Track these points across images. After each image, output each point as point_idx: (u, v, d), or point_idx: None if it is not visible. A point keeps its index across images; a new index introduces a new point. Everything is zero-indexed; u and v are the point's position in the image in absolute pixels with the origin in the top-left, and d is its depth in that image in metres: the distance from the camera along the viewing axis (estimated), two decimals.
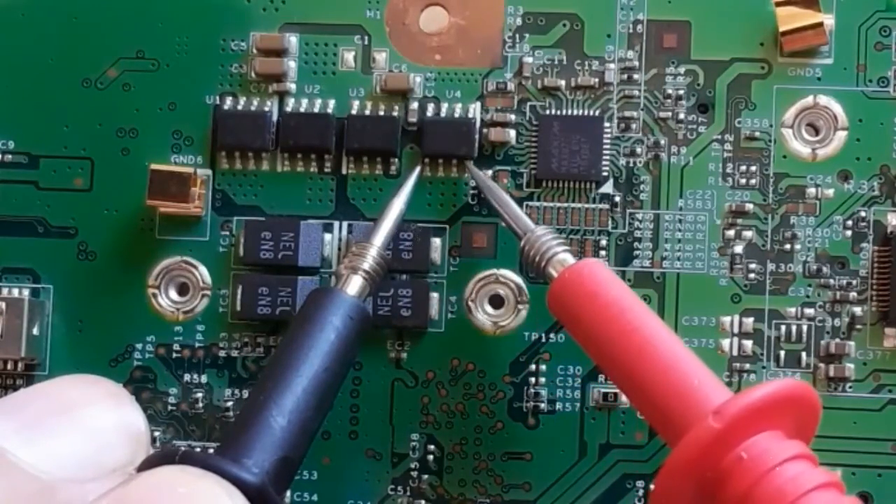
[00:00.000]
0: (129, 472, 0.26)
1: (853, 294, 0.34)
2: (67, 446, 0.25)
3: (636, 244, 0.34)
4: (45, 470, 0.24)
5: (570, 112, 0.34)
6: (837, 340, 0.34)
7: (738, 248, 0.34)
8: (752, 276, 0.34)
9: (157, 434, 0.34)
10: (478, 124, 0.34)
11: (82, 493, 0.24)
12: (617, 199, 0.34)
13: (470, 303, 0.34)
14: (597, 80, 0.34)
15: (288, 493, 0.34)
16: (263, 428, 0.28)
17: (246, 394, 0.34)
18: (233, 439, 0.28)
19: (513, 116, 0.34)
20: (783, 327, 0.34)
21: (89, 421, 0.25)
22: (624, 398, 0.34)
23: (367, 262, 0.31)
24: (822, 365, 0.34)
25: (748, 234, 0.34)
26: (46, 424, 0.25)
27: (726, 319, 0.34)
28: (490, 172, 0.34)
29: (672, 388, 0.28)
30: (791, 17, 0.34)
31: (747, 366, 0.34)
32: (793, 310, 0.34)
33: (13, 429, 0.24)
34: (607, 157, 0.34)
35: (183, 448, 0.29)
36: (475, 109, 0.34)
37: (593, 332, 0.30)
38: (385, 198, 0.34)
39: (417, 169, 0.34)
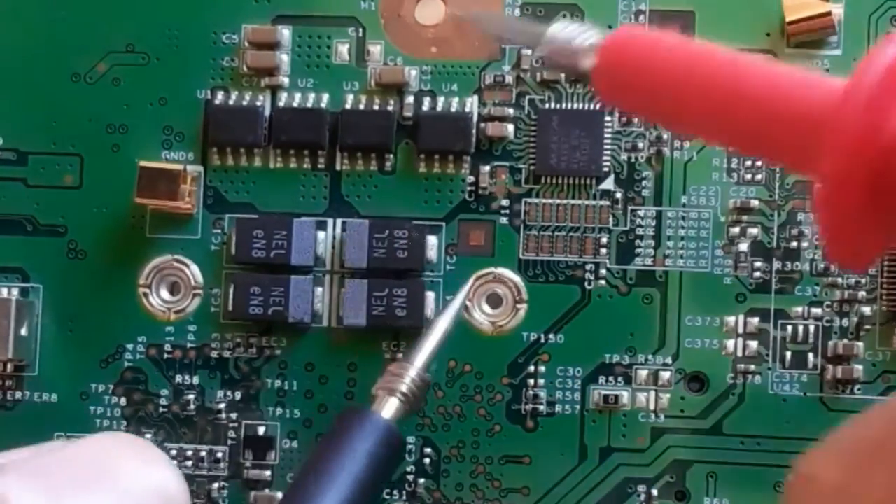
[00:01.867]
0: None
1: (862, 293, 0.33)
2: None
3: (638, 242, 0.33)
4: None
5: (569, 106, 0.34)
6: (845, 341, 0.33)
7: (743, 246, 0.33)
8: (757, 274, 0.33)
9: (147, 436, 0.33)
10: (475, 119, 0.34)
11: None
12: (618, 195, 0.33)
13: (467, 302, 0.33)
14: None
15: (281, 496, 0.33)
16: None
17: (238, 395, 0.34)
18: None
19: (511, 110, 0.34)
20: (790, 327, 0.33)
21: (122, 484, 0.25)
22: (625, 399, 0.33)
23: (405, 383, 0.31)
24: (829, 366, 0.33)
25: (753, 231, 0.33)
26: (78, 488, 0.24)
27: (731, 319, 0.33)
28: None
29: (791, 82, 0.22)
30: (798, 7, 0.33)
31: (752, 367, 0.33)
32: (799, 309, 0.33)
33: (44, 492, 0.24)
34: (608, 153, 0.33)
35: None
36: (472, 103, 0.34)
37: (669, 84, 0.24)
38: (380, 195, 0.34)
39: (468, 285, 0.33)
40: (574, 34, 0.27)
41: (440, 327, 0.32)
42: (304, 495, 0.29)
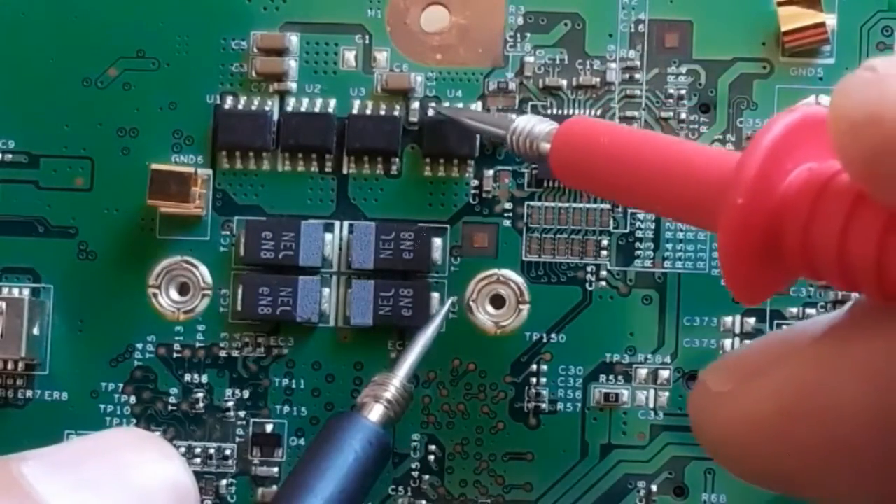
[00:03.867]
0: None
1: (855, 295, 0.33)
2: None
3: (637, 244, 0.34)
4: None
5: (571, 112, 0.34)
6: None
7: None
8: None
9: (157, 434, 0.34)
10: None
11: None
12: None
13: (471, 303, 0.34)
14: (598, 79, 0.34)
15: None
16: None
17: (247, 394, 0.34)
18: None
19: (514, 116, 0.34)
20: (785, 327, 0.34)
21: (138, 480, 0.26)
22: (625, 397, 0.34)
23: (390, 391, 0.32)
24: None
25: None
26: (98, 484, 0.25)
27: (728, 320, 0.34)
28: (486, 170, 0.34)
29: (697, 157, 0.27)
30: (793, 17, 0.34)
31: None
32: (795, 310, 0.34)
33: (68, 488, 0.24)
34: None
35: None
36: (477, 109, 0.34)
37: (605, 166, 0.29)
38: (386, 198, 0.34)
39: (448, 303, 0.34)
40: (535, 123, 0.32)
41: (421, 342, 0.33)
42: (295, 486, 0.29)
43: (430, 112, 0.34)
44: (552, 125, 0.31)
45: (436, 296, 0.34)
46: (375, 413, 0.31)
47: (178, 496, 0.26)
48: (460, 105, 0.34)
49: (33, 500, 0.23)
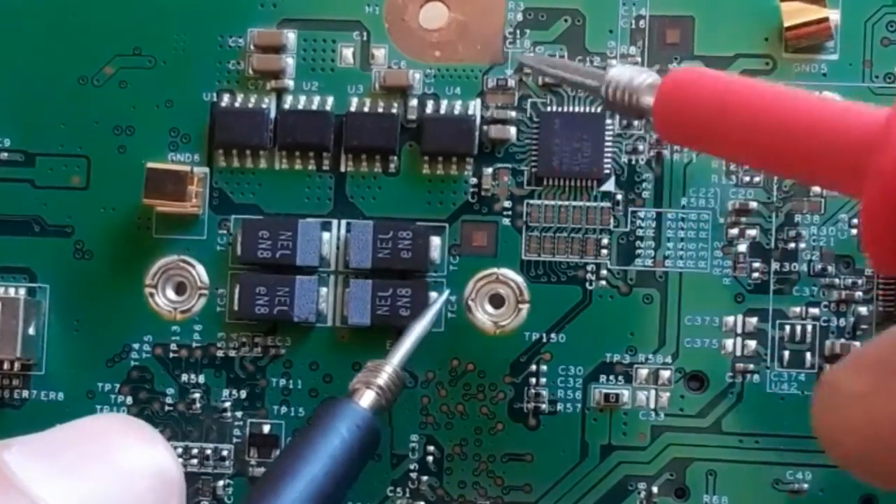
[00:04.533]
0: None
1: (858, 294, 0.33)
2: (98, 491, 0.24)
3: (638, 243, 0.34)
4: None
5: (571, 109, 0.34)
6: (843, 341, 0.33)
7: (742, 247, 0.33)
8: (755, 275, 0.33)
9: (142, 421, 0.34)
10: (478, 121, 0.34)
11: None
12: (619, 197, 0.34)
13: (470, 302, 0.34)
14: None
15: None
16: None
17: (244, 394, 0.34)
18: None
19: (513, 113, 0.34)
20: (787, 327, 0.33)
21: (123, 464, 0.25)
22: (626, 398, 0.33)
23: (382, 378, 0.32)
24: (827, 365, 0.33)
25: (752, 232, 0.33)
26: (79, 468, 0.25)
27: (729, 319, 0.33)
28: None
29: (834, 111, 0.25)
30: (796, 12, 0.33)
31: (751, 366, 0.33)
32: (797, 309, 0.33)
33: (49, 474, 0.24)
34: (609, 155, 0.34)
35: None
36: (475, 106, 0.34)
37: (721, 122, 0.26)
38: (384, 196, 0.34)
39: (445, 294, 0.34)
40: (634, 74, 0.29)
41: (416, 331, 0.33)
42: (280, 467, 0.29)
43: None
44: (654, 76, 0.29)
45: (434, 295, 0.34)
46: (366, 399, 0.31)
47: (162, 481, 0.26)
48: (546, 61, 0.33)
49: (14, 487, 0.23)
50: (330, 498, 0.30)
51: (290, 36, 0.35)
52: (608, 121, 0.34)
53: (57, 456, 0.25)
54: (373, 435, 0.31)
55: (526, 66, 0.33)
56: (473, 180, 0.34)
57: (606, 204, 0.34)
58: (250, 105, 0.34)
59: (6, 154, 0.35)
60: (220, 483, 0.34)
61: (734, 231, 0.33)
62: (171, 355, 0.34)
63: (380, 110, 0.34)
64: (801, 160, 0.25)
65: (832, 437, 0.25)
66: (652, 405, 0.33)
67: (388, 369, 0.32)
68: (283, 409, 0.34)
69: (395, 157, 0.34)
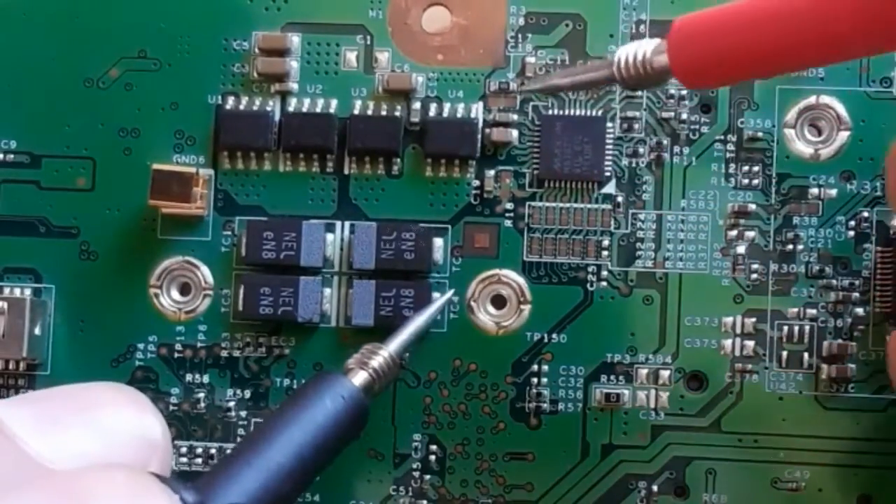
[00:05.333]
0: None
1: (856, 295, 0.34)
2: (78, 442, 0.25)
3: (639, 244, 0.34)
4: (51, 459, 0.24)
5: (572, 112, 0.34)
6: (840, 341, 0.34)
7: (741, 249, 0.34)
8: (754, 276, 0.34)
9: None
10: (480, 124, 0.34)
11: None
12: (619, 199, 0.34)
13: (472, 303, 0.34)
14: None
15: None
16: (226, 476, 0.28)
17: (248, 394, 0.34)
18: (199, 480, 0.28)
19: (515, 116, 0.34)
20: (785, 328, 0.34)
21: (105, 421, 0.25)
22: (626, 398, 0.34)
23: (377, 361, 0.32)
24: (824, 365, 0.34)
25: (751, 234, 0.34)
26: (62, 419, 0.25)
27: (728, 320, 0.34)
28: (493, 173, 0.34)
29: None
30: None
31: (749, 366, 0.34)
32: (795, 310, 0.34)
33: (30, 418, 0.24)
34: (610, 158, 0.34)
35: None
36: (478, 109, 0.34)
37: (737, 44, 0.27)
38: (387, 198, 0.34)
39: (450, 293, 0.34)
40: (637, 46, 0.29)
41: (417, 321, 0.33)
42: (260, 432, 0.29)
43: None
44: (655, 40, 0.29)
45: (437, 296, 0.34)
46: (358, 378, 0.31)
47: (147, 444, 0.26)
48: (548, 81, 0.32)
49: (1, 433, 0.24)
50: (307, 465, 0.29)
51: (295, 39, 0.35)
52: (609, 124, 0.34)
53: (45, 410, 0.25)
54: (359, 410, 0.31)
55: (531, 93, 0.34)
56: (476, 182, 0.34)
57: (607, 206, 0.34)
58: (255, 107, 0.35)
59: (12, 156, 0.35)
60: None
61: (733, 233, 0.34)
62: (176, 355, 0.35)
63: (383, 113, 0.34)
64: (823, 40, 0.25)
65: None
66: (652, 405, 0.34)
67: (383, 353, 0.32)
68: None
69: (399, 160, 0.35)
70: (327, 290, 0.34)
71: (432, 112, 0.34)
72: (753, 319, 0.34)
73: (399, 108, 0.35)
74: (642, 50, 0.29)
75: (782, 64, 0.28)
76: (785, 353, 0.34)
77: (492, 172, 0.34)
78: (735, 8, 0.27)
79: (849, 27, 0.25)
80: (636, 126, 0.34)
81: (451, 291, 0.34)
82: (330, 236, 0.34)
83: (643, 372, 0.34)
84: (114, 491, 0.23)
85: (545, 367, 0.34)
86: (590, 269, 0.34)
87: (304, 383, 0.31)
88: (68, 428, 0.25)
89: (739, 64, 0.27)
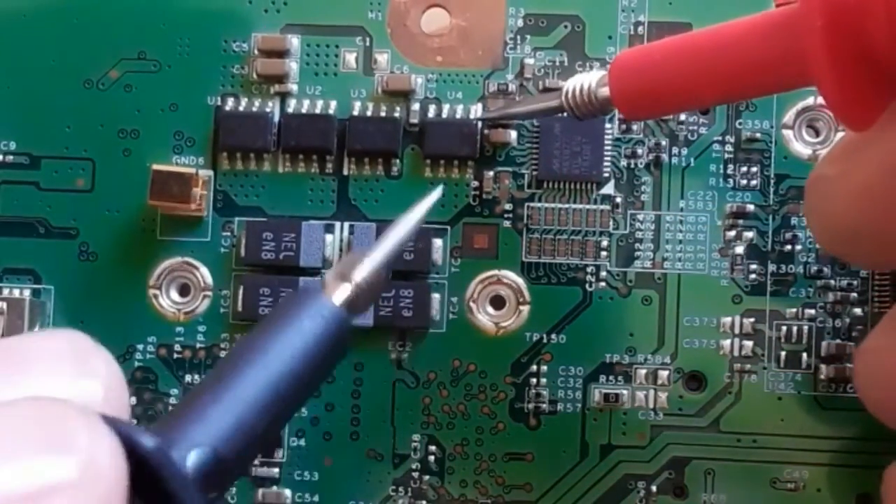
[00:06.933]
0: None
1: (854, 295, 0.34)
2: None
3: (637, 245, 0.34)
4: None
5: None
6: (838, 341, 0.34)
7: (739, 249, 0.34)
8: (752, 276, 0.34)
9: None
10: (479, 125, 0.34)
11: None
12: (618, 199, 0.34)
13: (471, 303, 0.34)
14: None
15: (289, 493, 0.34)
16: (190, 416, 0.23)
17: None
18: (159, 421, 0.25)
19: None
20: (784, 328, 0.34)
21: (38, 382, 0.22)
22: (625, 398, 0.34)
23: (360, 272, 0.27)
24: (822, 365, 0.34)
25: (749, 234, 0.34)
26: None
27: (727, 320, 0.34)
28: (491, 174, 0.34)
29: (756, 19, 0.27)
30: None
31: (748, 366, 0.34)
32: (794, 310, 0.34)
33: None
34: (608, 158, 0.34)
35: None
36: (477, 110, 0.35)
37: (671, 79, 0.29)
38: (386, 199, 0.34)
39: (438, 190, 0.33)
40: (584, 77, 0.31)
41: (405, 224, 0.29)
42: (230, 371, 0.25)
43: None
44: (601, 72, 0.31)
45: (436, 296, 0.34)
46: (340, 293, 0.27)
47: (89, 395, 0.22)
48: (505, 111, 0.34)
49: None
50: (285, 398, 0.25)
51: (294, 41, 0.35)
52: (607, 125, 0.34)
53: None
54: (341, 330, 0.26)
55: (490, 121, 0.34)
56: (475, 183, 0.35)
57: (606, 207, 0.34)
58: (254, 109, 0.35)
59: (12, 157, 0.35)
60: None
61: (731, 233, 0.34)
62: (175, 356, 0.35)
63: (382, 114, 0.35)
64: (750, 74, 0.27)
65: (821, 221, 0.29)
66: (651, 405, 0.34)
67: (367, 264, 0.27)
68: None
69: (398, 161, 0.35)
70: None
71: (431, 113, 0.35)
72: (752, 320, 0.34)
73: (398, 109, 0.35)
74: (588, 82, 0.31)
75: (713, 97, 0.30)
76: (783, 354, 0.34)
77: (491, 173, 0.35)
78: (668, 44, 0.29)
79: (772, 61, 0.26)
80: (635, 127, 0.34)
81: (440, 188, 0.32)
82: (329, 237, 0.34)
83: (642, 372, 0.34)
84: (23, 412, 0.20)
85: (544, 368, 0.34)
86: (589, 269, 0.34)
87: (285, 304, 0.26)
88: None
89: (674, 97, 0.29)
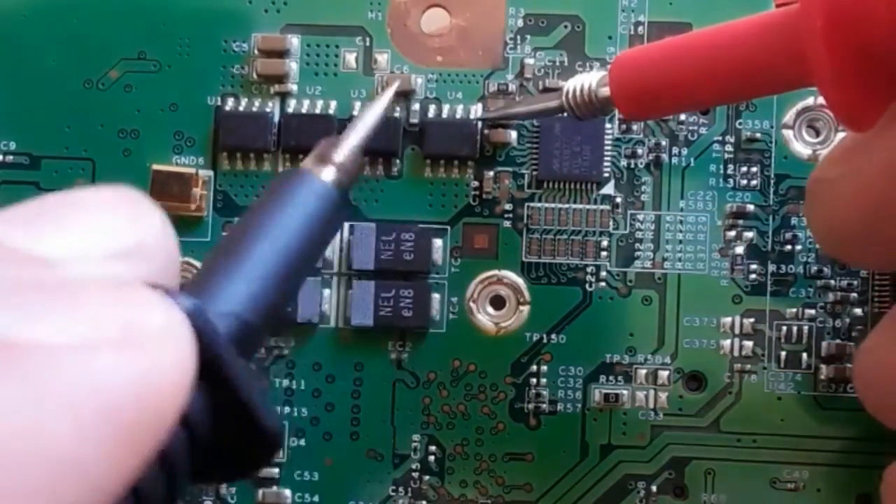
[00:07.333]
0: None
1: (854, 295, 0.34)
2: (72, 238, 0.21)
3: (637, 245, 0.34)
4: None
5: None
6: (838, 341, 0.34)
7: (739, 249, 0.34)
8: (752, 276, 0.34)
9: None
10: (479, 125, 0.34)
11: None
12: (618, 199, 0.34)
13: (471, 303, 0.34)
14: None
15: (289, 493, 0.34)
16: (217, 283, 0.23)
17: None
18: (186, 286, 0.24)
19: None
20: (784, 328, 0.34)
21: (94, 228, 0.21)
22: (625, 398, 0.34)
23: (339, 154, 0.28)
24: (822, 366, 0.34)
25: (749, 235, 0.34)
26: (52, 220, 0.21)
27: (727, 320, 0.34)
28: (490, 176, 0.34)
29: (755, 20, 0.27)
30: None
31: (748, 366, 0.34)
32: (794, 311, 0.34)
33: (16, 225, 0.20)
34: (608, 159, 0.34)
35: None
36: (477, 110, 0.35)
37: (671, 80, 0.29)
38: (386, 199, 0.35)
39: (397, 83, 0.33)
40: (585, 77, 0.31)
41: (372, 112, 0.30)
42: (243, 244, 0.25)
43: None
44: (601, 73, 0.31)
45: (436, 297, 0.34)
46: (326, 174, 0.27)
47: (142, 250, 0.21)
48: (505, 111, 0.34)
49: None
50: (294, 271, 0.25)
51: (294, 41, 0.35)
52: (608, 125, 0.34)
53: (26, 212, 0.20)
54: (334, 206, 0.27)
55: (490, 121, 0.34)
56: (475, 183, 0.35)
57: (606, 207, 0.34)
58: (254, 109, 0.35)
59: (11, 157, 0.35)
60: (224, 483, 0.34)
61: (731, 233, 0.34)
62: None
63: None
64: (749, 75, 0.27)
65: (822, 225, 0.29)
66: (651, 405, 0.34)
67: (343, 147, 0.28)
68: (286, 410, 0.34)
69: (398, 161, 0.35)
70: (326, 291, 0.34)
71: (431, 113, 0.35)
72: (752, 320, 0.34)
73: (398, 109, 0.35)
74: (588, 82, 0.31)
75: (713, 97, 0.30)
76: (784, 354, 0.34)
77: (491, 173, 0.35)
78: (669, 44, 0.29)
79: (772, 62, 0.26)
80: (635, 127, 0.34)
81: (398, 83, 0.33)
82: None
83: (642, 372, 0.34)
84: (105, 294, 0.19)
85: (544, 368, 0.34)
86: (589, 269, 0.34)
87: (275, 184, 0.27)
88: (60, 228, 0.20)
89: (675, 97, 0.29)
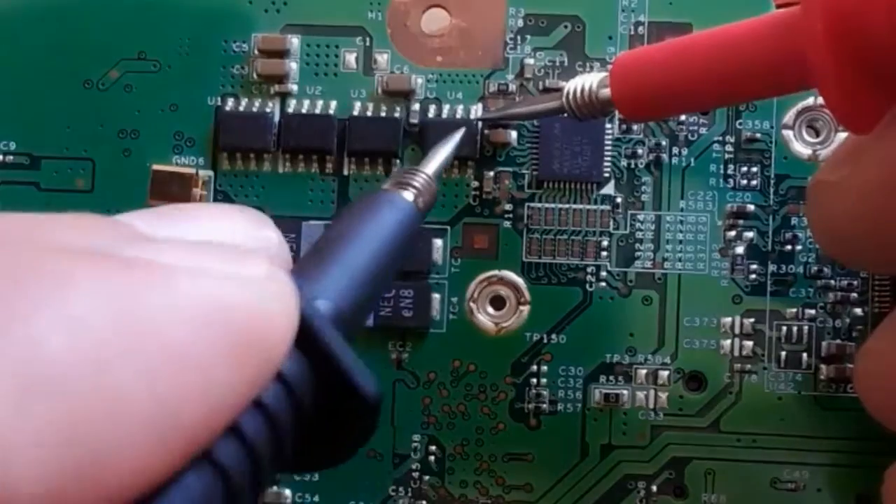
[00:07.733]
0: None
1: (854, 295, 0.34)
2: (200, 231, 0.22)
3: (637, 245, 0.34)
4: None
5: None
6: (838, 341, 0.34)
7: (740, 249, 0.34)
8: (753, 277, 0.34)
9: None
10: (479, 125, 0.34)
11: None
12: (618, 200, 0.34)
13: (471, 304, 0.34)
14: None
15: (289, 493, 0.34)
16: (308, 272, 0.24)
17: None
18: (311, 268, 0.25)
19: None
20: (784, 328, 0.34)
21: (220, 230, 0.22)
22: (626, 398, 0.34)
23: (418, 181, 0.29)
24: (823, 366, 0.34)
25: (749, 235, 0.34)
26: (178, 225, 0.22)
27: (727, 320, 0.34)
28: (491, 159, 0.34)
29: (754, 22, 0.27)
30: None
31: (748, 366, 0.34)
32: (794, 311, 0.34)
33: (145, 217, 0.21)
34: (608, 159, 0.34)
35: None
36: (477, 110, 0.35)
37: (671, 81, 0.29)
38: None
39: (462, 130, 0.34)
40: (586, 77, 0.31)
41: (444, 148, 0.32)
42: (335, 240, 0.26)
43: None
44: (602, 73, 0.31)
45: (436, 297, 0.34)
46: (406, 195, 0.28)
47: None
48: (505, 111, 0.34)
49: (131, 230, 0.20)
50: (384, 268, 0.26)
51: (294, 41, 0.35)
52: (608, 125, 0.34)
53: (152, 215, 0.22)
54: (416, 223, 0.28)
55: (491, 121, 0.34)
56: (475, 183, 0.35)
57: (606, 207, 0.34)
58: (254, 109, 0.35)
59: (11, 157, 0.35)
60: None
61: (732, 233, 0.34)
62: None
63: (382, 114, 0.35)
64: (749, 76, 0.27)
65: (823, 227, 0.29)
66: (651, 405, 0.34)
67: (421, 175, 0.29)
68: None
69: (398, 161, 0.35)
70: None
71: (431, 113, 0.35)
72: (752, 320, 0.34)
73: (398, 109, 0.35)
74: (589, 82, 0.31)
75: (714, 98, 0.30)
76: (784, 354, 0.34)
77: (491, 173, 0.35)
78: (669, 45, 0.29)
79: (773, 63, 0.26)
80: (635, 127, 0.34)
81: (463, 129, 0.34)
82: None
83: (642, 372, 0.34)
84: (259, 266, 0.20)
85: (544, 368, 0.34)
86: (589, 269, 0.34)
87: (353, 202, 0.28)
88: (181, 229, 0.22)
89: (675, 98, 0.29)
